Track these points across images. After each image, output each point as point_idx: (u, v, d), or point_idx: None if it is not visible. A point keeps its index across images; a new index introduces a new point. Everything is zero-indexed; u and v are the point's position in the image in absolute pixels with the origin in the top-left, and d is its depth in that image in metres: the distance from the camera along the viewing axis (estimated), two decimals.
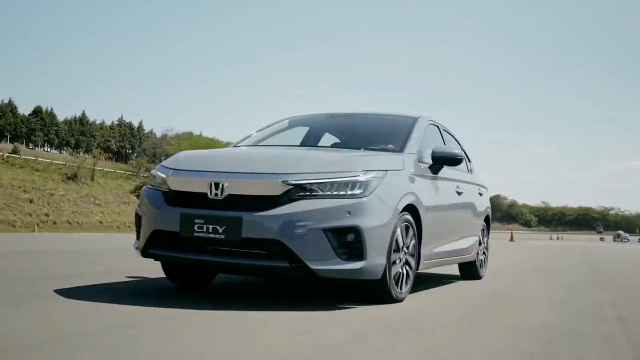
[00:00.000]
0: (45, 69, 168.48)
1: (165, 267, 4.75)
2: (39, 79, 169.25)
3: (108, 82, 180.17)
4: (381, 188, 4.11)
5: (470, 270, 6.72)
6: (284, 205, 3.83)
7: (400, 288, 4.38)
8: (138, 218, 4.45)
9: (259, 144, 5.62)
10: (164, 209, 4.11)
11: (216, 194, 3.93)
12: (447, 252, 5.53)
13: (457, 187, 5.76)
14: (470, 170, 6.67)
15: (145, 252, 4.24)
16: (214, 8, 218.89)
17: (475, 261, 6.60)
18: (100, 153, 65.56)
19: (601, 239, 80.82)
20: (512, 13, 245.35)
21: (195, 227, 3.90)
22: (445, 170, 5.34)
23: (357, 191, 3.98)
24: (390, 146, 4.98)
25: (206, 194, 3.97)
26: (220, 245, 3.93)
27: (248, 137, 5.79)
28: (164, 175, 4.27)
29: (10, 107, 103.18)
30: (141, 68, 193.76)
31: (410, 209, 4.49)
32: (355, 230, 3.87)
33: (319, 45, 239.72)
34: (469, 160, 6.79)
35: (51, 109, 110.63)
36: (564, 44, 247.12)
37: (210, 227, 3.87)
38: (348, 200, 3.91)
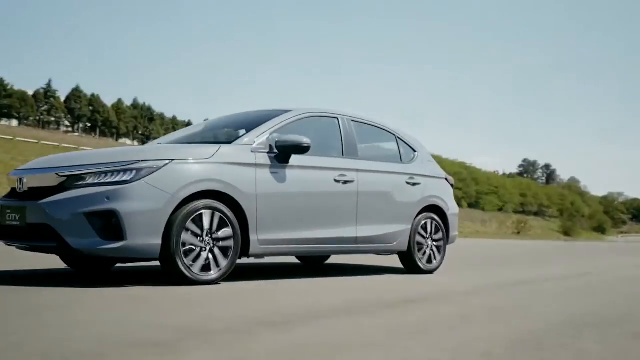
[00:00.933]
0: None
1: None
2: None
3: None
4: (156, 176, 4.47)
5: (407, 262, 6.76)
6: (57, 194, 4.40)
7: (206, 271, 4.73)
8: None
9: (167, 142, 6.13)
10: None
11: (20, 188, 4.72)
12: (315, 239, 5.59)
13: (341, 175, 5.83)
14: (407, 160, 6.87)
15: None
16: None
17: (410, 253, 6.59)
18: None
19: None
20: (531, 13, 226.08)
21: (7, 217, 4.66)
22: (308, 159, 5.52)
23: (122, 178, 4.40)
24: (231, 139, 5.41)
25: (16, 188, 4.80)
26: (16, 230, 4.62)
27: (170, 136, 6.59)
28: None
29: None
30: None
31: (221, 196, 4.80)
32: (114, 213, 4.30)
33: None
34: (414, 151, 7.02)
35: None
36: (558, 43, 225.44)
37: (14, 215, 4.59)
38: (109, 187, 4.35)
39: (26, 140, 53.67)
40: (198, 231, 4.66)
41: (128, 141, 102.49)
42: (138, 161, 4.49)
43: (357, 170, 6.00)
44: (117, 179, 4.38)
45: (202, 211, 4.67)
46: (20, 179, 4.69)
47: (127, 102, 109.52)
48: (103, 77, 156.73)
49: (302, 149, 5.30)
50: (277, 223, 5.21)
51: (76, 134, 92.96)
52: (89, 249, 4.32)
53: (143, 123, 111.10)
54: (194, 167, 4.74)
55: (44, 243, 4.49)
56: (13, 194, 4.83)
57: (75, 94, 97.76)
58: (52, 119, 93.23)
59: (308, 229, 5.52)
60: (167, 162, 4.57)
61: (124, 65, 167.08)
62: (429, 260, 6.78)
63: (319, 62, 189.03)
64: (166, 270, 4.66)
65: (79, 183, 4.41)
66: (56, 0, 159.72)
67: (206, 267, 4.72)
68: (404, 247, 6.50)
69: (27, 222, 4.45)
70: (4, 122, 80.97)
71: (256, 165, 5.10)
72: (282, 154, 5.29)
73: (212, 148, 4.97)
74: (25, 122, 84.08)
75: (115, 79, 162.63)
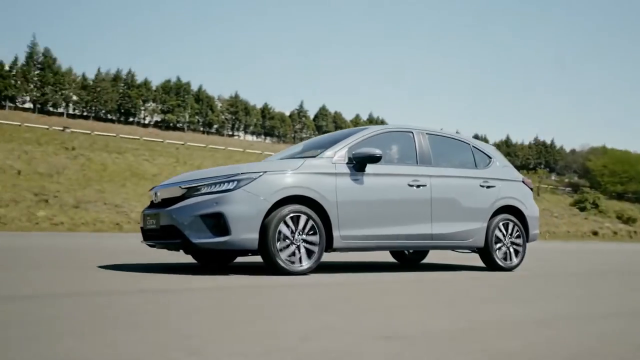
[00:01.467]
0: None
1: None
2: None
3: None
4: (253, 185, 5.52)
5: (485, 258, 7.31)
6: (182, 201, 5.58)
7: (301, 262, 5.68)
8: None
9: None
10: (146, 211, 6.22)
11: (155, 199, 6.03)
12: (392, 235, 6.37)
13: (415, 180, 6.59)
14: (481, 166, 7.48)
15: (144, 242, 6.25)
16: None
17: (488, 249, 7.16)
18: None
19: None
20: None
21: (147, 222, 6.00)
22: (385, 168, 6.43)
23: (226, 186, 5.49)
24: (317, 153, 6.29)
25: (153, 200, 6.15)
26: (155, 232, 5.85)
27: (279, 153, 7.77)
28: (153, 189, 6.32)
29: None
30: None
31: (307, 200, 5.78)
32: (221, 215, 5.38)
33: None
34: (489, 157, 7.64)
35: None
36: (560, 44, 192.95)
37: (152, 220, 5.85)
38: (218, 194, 5.46)
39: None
40: (290, 229, 5.59)
41: None
42: (239, 174, 5.55)
43: (430, 176, 6.72)
44: (223, 188, 5.46)
45: (293, 213, 5.59)
46: (156, 193, 5.98)
47: (363, 117, 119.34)
48: (343, 96, 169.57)
49: (374, 159, 6.10)
50: (354, 221, 6.03)
51: None
52: (204, 243, 5.38)
53: None
54: (283, 177, 5.72)
55: (172, 240, 5.59)
56: (151, 204, 6.11)
57: (322, 112, 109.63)
58: (304, 135, 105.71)
59: (383, 226, 6.29)
60: (261, 173, 5.58)
61: (358, 84, 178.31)
62: (506, 258, 7.29)
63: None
64: (265, 262, 5.61)
65: (196, 193, 5.53)
66: (298, 37, 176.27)
67: (297, 260, 5.63)
68: (481, 244, 7.10)
69: (160, 224, 5.62)
70: (268, 140, 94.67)
71: (336, 174, 6.00)
72: (358, 164, 6.13)
73: (299, 161, 5.94)
74: (283, 139, 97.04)
75: (351, 97, 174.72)
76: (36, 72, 73.97)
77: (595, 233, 47.32)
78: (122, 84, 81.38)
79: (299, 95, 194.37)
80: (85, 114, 78.46)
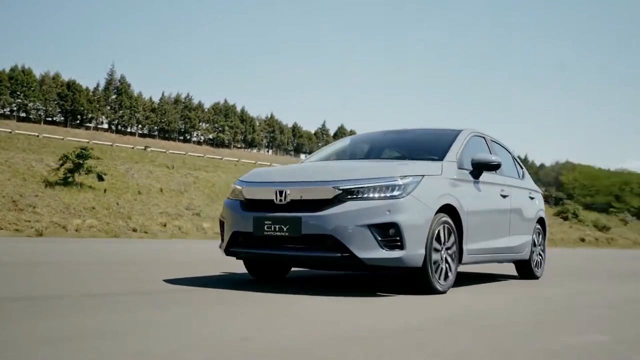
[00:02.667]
0: None
1: (246, 264, 5.56)
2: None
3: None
4: (419, 190, 4.64)
5: (524, 269, 7.04)
6: (335, 206, 4.49)
7: (444, 280, 4.86)
8: (221, 224, 5.25)
9: (322, 160, 6.22)
10: (240, 214, 4.91)
11: (281, 200, 4.70)
12: (493, 249, 5.86)
13: (502, 190, 6.11)
14: (521, 176, 7.12)
15: (228, 250, 5.03)
16: None
17: (529, 260, 6.89)
18: None
19: None
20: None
21: (265, 227, 4.66)
22: (487, 176, 5.76)
23: (396, 192, 4.54)
24: (433, 156, 5.39)
25: (273, 200, 4.75)
26: (284, 241, 4.63)
27: (315, 153, 6.61)
28: (240, 188, 5.10)
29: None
30: None
31: (449, 209, 4.97)
32: (395, 225, 4.45)
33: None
34: (521, 167, 7.32)
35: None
36: (562, 47, 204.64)
37: (277, 226, 4.62)
38: (388, 201, 4.49)
39: None
40: (440, 242, 4.81)
41: None
42: (404, 176, 4.66)
43: (509, 186, 6.36)
44: (391, 194, 4.53)
45: (444, 224, 4.84)
46: (281, 191, 4.71)
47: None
48: (356, 114, 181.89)
49: (492, 167, 5.54)
50: (476, 233, 5.43)
51: None
52: (374, 259, 4.43)
53: None
54: (437, 182, 4.95)
55: (325, 254, 4.52)
56: (268, 205, 4.78)
57: (341, 130, 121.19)
58: None
59: (491, 239, 5.84)
60: (420, 177, 4.75)
61: (368, 102, 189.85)
62: (537, 266, 7.13)
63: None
64: (413, 280, 4.80)
65: (356, 196, 4.52)
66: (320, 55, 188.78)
67: (443, 276, 4.87)
68: (527, 256, 6.83)
69: (302, 233, 4.52)
70: (300, 156, 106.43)
71: (463, 180, 5.35)
72: (475, 170, 5.54)
73: (437, 164, 5.15)
74: (308, 155, 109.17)
75: (360, 113, 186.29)
76: (114, 97, 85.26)
77: (582, 240, 51.42)
78: (182, 106, 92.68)
79: (322, 115, 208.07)
80: (152, 132, 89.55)
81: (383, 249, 4.45)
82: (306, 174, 5.02)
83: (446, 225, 4.90)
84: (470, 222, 5.32)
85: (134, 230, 27.36)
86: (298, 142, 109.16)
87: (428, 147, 5.83)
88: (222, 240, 5.18)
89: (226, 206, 5.20)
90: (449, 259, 4.95)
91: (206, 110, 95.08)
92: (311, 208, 4.59)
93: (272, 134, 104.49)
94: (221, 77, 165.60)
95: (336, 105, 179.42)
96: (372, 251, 4.43)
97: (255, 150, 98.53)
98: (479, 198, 5.58)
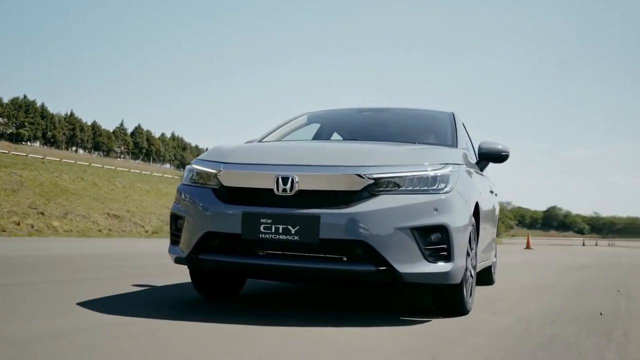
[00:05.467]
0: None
1: (194, 275, 3.87)
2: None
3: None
4: (460, 183, 3.41)
5: (486, 275, 5.89)
6: (365, 201, 3.13)
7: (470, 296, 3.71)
8: (175, 220, 3.61)
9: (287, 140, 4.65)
10: (217, 207, 3.30)
11: (285, 190, 3.19)
12: (487, 254, 5.00)
13: (491, 185, 5.19)
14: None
15: (193, 258, 3.38)
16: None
17: (491, 265, 5.86)
18: None
19: None
20: (519, 17, 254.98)
21: (262, 228, 3.14)
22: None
23: (441, 186, 3.27)
24: (440, 142, 4.29)
25: (272, 190, 3.22)
26: (293, 248, 3.17)
27: (268, 134, 4.80)
28: (213, 171, 3.46)
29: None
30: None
31: (475, 208, 3.80)
32: (444, 229, 3.19)
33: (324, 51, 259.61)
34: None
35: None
36: (611, 41, 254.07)
37: (281, 227, 3.12)
38: (433, 196, 3.21)
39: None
40: (470, 249, 3.64)
41: (167, 165, 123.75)
42: (445, 164, 3.42)
43: (489, 180, 5.29)
44: (436, 186, 3.27)
45: (472, 227, 3.66)
46: (286, 178, 3.22)
47: (167, 134, 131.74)
48: (147, 113, 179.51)
49: (501, 158, 4.39)
50: (483, 237, 4.47)
51: (134, 161, 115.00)
52: (415, 275, 3.14)
53: (179, 152, 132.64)
54: (470, 172, 3.83)
55: (352, 266, 3.15)
56: (265, 197, 3.27)
57: (138, 130, 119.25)
58: (124, 149, 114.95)
59: (487, 242, 4.94)
60: (458, 167, 3.53)
61: (162, 103, 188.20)
62: (494, 269, 6.27)
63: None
64: (443, 299, 3.59)
65: (390, 188, 3.21)
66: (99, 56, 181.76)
67: (469, 293, 3.74)
68: (493, 260, 6.10)
69: (321, 237, 3.09)
70: (96, 154, 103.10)
71: (476, 173, 4.22)
72: (482, 161, 4.46)
73: (456, 151, 3.92)
74: (106, 153, 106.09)
75: (157, 115, 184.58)
76: None
77: None
78: None
79: (120, 115, 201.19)
80: None
81: (426, 260, 3.19)
82: (319, 154, 3.59)
83: (473, 227, 3.73)
84: (482, 224, 4.26)
85: None
86: (98, 141, 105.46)
87: (426, 130, 4.65)
88: (177, 243, 3.58)
89: (186, 195, 3.58)
90: (472, 270, 3.84)
91: (5, 105, 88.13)
92: (331, 203, 3.20)
93: (72, 132, 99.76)
94: (21, 71, 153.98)
95: (135, 105, 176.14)
96: (415, 263, 3.16)
97: (54, 148, 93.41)
98: (485, 195, 4.56)
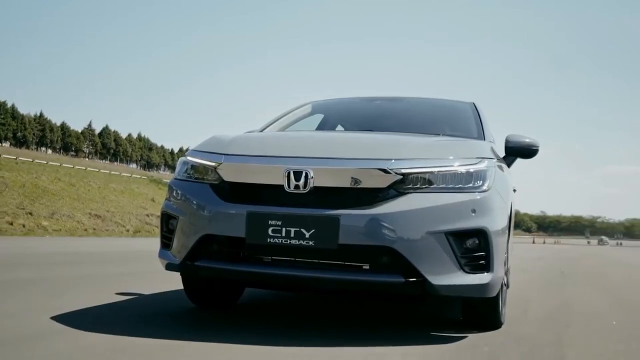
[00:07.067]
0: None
1: (187, 283, 3.37)
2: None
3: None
4: (497, 181, 2.92)
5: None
6: (392, 200, 2.66)
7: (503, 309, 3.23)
8: (167, 220, 3.08)
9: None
10: (217, 206, 2.80)
11: (297, 186, 2.71)
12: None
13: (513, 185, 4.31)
14: None
15: (188, 264, 2.88)
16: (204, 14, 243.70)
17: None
18: None
19: (600, 242, 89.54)
20: (510, 14, 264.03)
21: (270, 231, 2.66)
22: None
23: (478, 183, 2.79)
24: (465, 134, 3.76)
25: (282, 186, 2.73)
26: (307, 254, 2.70)
27: (269, 124, 4.28)
28: (212, 163, 2.93)
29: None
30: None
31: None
32: (482, 234, 2.71)
33: (313, 47, 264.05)
34: None
35: None
36: (561, 45, 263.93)
37: (292, 230, 2.64)
38: (469, 195, 2.74)
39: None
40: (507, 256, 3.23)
41: (133, 165, 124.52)
42: (481, 158, 2.92)
43: None
44: (472, 184, 2.78)
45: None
46: (299, 173, 2.72)
47: (134, 134, 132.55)
48: (114, 114, 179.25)
49: (531, 153, 3.69)
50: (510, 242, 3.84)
51: (102, 161, 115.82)
52: (450, 287, 2.65)
53: (145, 152, 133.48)
54: (502, 167, 3.23)
55: (378, 277, 2.65)
56: (274, 194, 2.77)
57: (106, 131, 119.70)
58: (92, 149, 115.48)
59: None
60: (494, 161, 3.03)
61: (128, 103, 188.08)
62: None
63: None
64: (474, 312, 3.12)
65: (421, 186, 2.73)
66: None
67: (504, 302, 3.30)
68: None
69: (340, 242, 2.61)
70: (65, 154, 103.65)
71: (506, 169, 3.46)
72: (509, 156, 3.73)
73: (486, 145, 3.37)
74: (75, 153, 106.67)
75: (122, 116, 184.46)
76: None
77: None
78: None
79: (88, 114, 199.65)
80: None
81: (462, 269, 2.67)
82: (338, 145, 3.07)
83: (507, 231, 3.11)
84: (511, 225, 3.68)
85: None
86: (67, 141, 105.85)
87: (447, 122, 4.15)
88: (168, 246, 3.04)
89: (180, 192, 3.02)
90: (505, 278, 3.32)
91: None
92: (352, 202, 2.68)
93: (42, 132, 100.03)
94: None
95: (102, 105, 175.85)
96: (450, 274, 2.64)
97: (27, 149, 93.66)
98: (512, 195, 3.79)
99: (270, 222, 2.68)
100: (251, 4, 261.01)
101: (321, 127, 4.45)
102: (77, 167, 74.21)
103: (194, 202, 2.91)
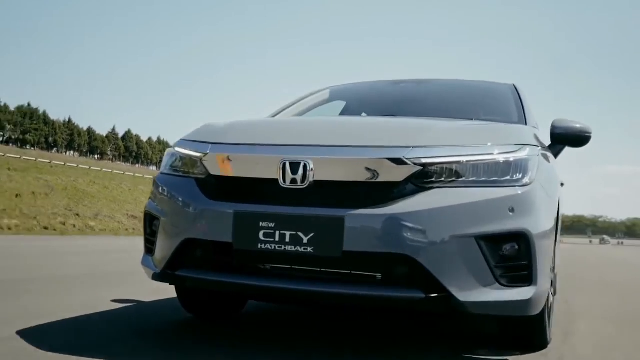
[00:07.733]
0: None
1: (181, 292, 2.95)
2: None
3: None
4: (540, 173, 2.33)
5: None
6: (410, 197, 2.11)
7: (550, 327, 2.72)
8: (150, 222, 2.60)
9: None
10: (201, 205, 2.31)
11: (294, 181, 2.20)
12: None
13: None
14: None
15: (168, 274, 2.39)
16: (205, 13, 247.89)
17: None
18: None
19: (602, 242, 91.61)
20: (510, 14, 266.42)
21: (261, 235, 2.16)
22: None
23: (517, 176, 2.20)
24: (504, 118, 3.14)
25: (277, 180, 2.22)
26: (305, 263, 2.19)
27: (281, 110, 3.79)
28: (198, 154, 2.45)
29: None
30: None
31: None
32: (523, 239, 2.14)
33: (311, 47, 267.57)
34: None
35: None
36: (561, 45, 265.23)
37: (288, 234, 2.13)
38: (507, 191, 2.16)
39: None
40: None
41: (153, 167, 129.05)
42: (521, 145, 2.32)
43: None
44: (509, 177, 2.19)
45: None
46: (296, 164, 2.20)
47: (154, 138, 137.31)
48: (137, 119, 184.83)
49: (582, 140, 3.04)
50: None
51: (124, 164, 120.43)
52: (481, 304, 2.08)
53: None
54: (546, 158, 2.57)
55: (391, 292, 2.09)
56: (268, 190, 2.25)
57: (129, 135, 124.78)
58: (115, 152, 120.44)
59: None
60: (537, 149, 2.42)
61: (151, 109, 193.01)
62: None
63: None
64: (514, 330, 2.58)
65: (447, 179, 2.16)
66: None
67: (550, 319, 2.72)
68: None
69: (345, 249, 2.07)
70: (92, 157, 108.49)
71: (551, 159, 2.80)
72: (556, 145, 3.08)
73: (528, 130, 2.75)
74: (100, 156, 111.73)
75: (145, 120, 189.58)
76: None
77: None
78: None
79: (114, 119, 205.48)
80: None
81: (498, 282, 2.10)
82: (343, 131, 2.50)
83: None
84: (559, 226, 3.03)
85: (45, 228, 28.00)
86: (93, 145, 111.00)
87: (483, 105, 3.46)
88: (151, 251, 2.53)
89: (164, 188, 2.51)
90: (552, 289, 2.73)
91: (11, 111, 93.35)
92: (361, 200, 2.12)
93: (71, 137, 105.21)
94: (25, 80, 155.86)
95: (126, 110, 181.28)
96: (482, 288, 2.07)
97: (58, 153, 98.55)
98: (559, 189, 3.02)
99: (261, 224, 2.14)
100: (251, 4, 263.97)
101: (343, 114, 3.74)
102: (104, 169, 78.23)
103: (176, 201, 2.39)
